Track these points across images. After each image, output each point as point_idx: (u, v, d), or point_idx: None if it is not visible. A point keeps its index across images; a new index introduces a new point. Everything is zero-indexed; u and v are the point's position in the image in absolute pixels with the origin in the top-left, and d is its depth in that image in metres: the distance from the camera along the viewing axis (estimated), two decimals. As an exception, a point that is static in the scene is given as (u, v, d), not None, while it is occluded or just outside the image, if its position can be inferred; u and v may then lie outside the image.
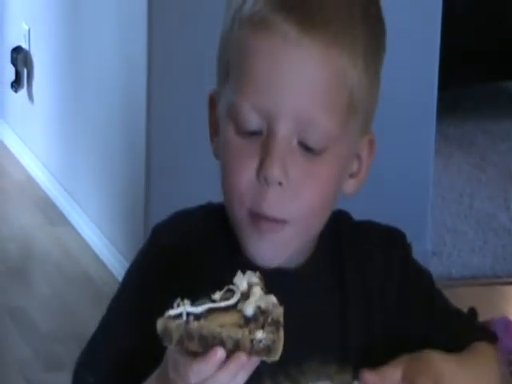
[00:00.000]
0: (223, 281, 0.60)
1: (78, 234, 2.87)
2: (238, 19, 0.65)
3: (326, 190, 0.66)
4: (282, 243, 0.66)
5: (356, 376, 0.66)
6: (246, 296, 0.59)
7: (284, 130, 0.63)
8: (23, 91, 3.30)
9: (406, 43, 2.35)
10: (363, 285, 0.71)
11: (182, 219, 0.72)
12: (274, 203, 0.63)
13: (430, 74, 2.50)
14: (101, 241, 2.75)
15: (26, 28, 3.26)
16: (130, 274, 0.73)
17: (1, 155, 3.37)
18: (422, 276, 0.75)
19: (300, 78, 0.63)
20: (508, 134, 3.41)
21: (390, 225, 0.75)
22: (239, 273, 0.60)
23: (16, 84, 3.28)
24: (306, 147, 0.64)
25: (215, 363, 0.56)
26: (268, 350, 0.58)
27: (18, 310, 2.53)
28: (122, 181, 2.69)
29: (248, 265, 0.64)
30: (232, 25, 0.65)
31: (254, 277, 0.60)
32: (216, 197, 0.71)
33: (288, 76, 0.63)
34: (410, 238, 0.76)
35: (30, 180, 3.20)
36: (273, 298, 0.59)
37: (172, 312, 0.58)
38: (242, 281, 0.60)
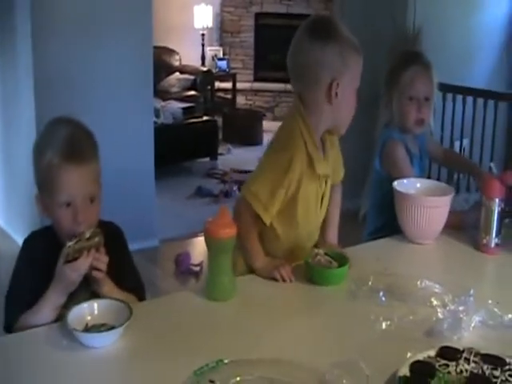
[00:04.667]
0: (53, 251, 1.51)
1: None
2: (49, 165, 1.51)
3: (98, 214, 1.57)
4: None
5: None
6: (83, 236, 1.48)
7: (81, 200, 1.53)
8: None
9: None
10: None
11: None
12: (83, 226, 1.52)
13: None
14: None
15: None
16: (20, 255, 1.60)
17: None
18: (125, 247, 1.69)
19: (82, 177, 1.53)
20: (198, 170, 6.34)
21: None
22: (82, 230, 1.49)
23: None
24: (91, 200, 1.54)
25: (88, 259, 1.47)
26: (99, 245, 1.49)
27: None
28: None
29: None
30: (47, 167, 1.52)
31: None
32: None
33: (78, 179, 1.52)
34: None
35: None
36: (95, 228, 1.50)
37: (67, 245, 1.46)
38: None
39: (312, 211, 1.83)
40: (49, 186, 1.52)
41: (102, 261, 1.50)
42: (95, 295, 1.53)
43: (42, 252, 1.56)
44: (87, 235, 1.48)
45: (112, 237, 1.57)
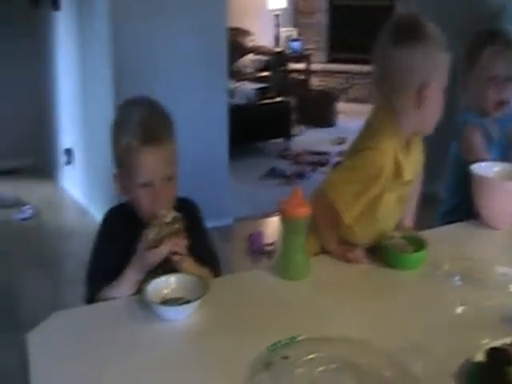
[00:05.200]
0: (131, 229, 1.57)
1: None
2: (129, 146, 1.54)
3: (175, 191, 1.59)
4: None
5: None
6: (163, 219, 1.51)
7: (160, 181, 1.57)
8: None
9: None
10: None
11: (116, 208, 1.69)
12: (163, 205, 1.55)
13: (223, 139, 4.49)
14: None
15: None
16: (100, 230, 1.65)
17: None
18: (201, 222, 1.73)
19: (160, 159, 1.56)
20: (271, 151, 6.46)
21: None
22: (161, 211, 1.51)
23: None
24: (168, 178, 1.57)
25: (168, 246, 1.50)
26: (179, 231, 1.51)
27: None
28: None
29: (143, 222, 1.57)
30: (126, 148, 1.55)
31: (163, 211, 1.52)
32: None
33: (156, 162, 1.55)
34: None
35: None
36: (176, 213, 1.52)
37: (149, 231, 1.46)
38: (164, 211, 1.51)
39: (392, 211, 1.77)
40: (127, 167, 1.55)
41: (182, 246, 1.54)
42: (173, 269, 1.56)
43: (120, 228, 1.61)
44: (168, 219, 1.50)
45: (188, 213, 1.59)
